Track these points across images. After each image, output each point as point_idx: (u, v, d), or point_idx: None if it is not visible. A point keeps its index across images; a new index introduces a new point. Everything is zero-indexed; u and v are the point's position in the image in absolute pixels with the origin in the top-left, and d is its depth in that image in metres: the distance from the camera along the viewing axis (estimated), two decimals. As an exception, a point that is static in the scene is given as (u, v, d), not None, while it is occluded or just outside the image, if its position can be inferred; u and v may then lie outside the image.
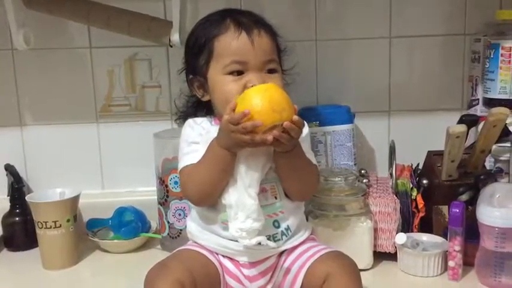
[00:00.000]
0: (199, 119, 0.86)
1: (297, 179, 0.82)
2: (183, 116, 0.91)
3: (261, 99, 0.71)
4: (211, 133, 0.80)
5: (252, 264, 0.81)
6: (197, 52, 0.84)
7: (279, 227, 0.81)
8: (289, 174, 0.81)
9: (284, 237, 0.82)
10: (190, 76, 0.87)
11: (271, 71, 0.81)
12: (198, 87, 0.86)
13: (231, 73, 0.80)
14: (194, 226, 0.85)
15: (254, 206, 0.76)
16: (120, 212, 1.08)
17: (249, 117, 0.71)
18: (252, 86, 0.77)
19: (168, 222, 1.03)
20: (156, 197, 1.05)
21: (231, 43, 0.80)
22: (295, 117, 0.74)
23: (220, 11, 0.86)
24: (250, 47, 0.79)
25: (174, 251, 0.85)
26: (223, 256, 0.82)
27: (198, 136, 0.83)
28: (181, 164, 0.83)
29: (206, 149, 0.79)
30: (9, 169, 1.10)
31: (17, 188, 1.08)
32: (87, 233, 1.07)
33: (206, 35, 0.83)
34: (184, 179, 0.82)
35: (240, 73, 0.80)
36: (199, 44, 0.83)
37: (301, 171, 0.81)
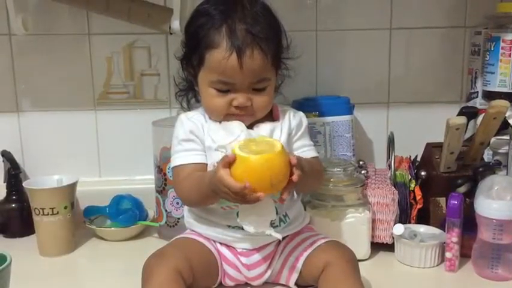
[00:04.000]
0: (191, 113, 0.85)
1: (306, 187, 0.85)
2: (183, 94, 0.90)
3: (261, 175, 0.69)
4: (206, 128, 0.81)
5: (250, 252, 0.81)
6: (192, 50, 0.82)
7: (277, 213, 0.81)
8: (299, 189, 0.83)
9: (282, 223, 0.83)
10: (185, 65, 0.85)
11: (259, 89, 0.80)
12: (191, 76, 0.85)
13: (217, 89, 0.79)
14: (192, 215, 0.85)
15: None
16: (118, 200, 1.07)
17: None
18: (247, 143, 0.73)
19: (166, 210, 1.02)
20: (154, 186, 1.05)
21: (220, 62, 0.76)
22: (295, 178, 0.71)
23: (222, 4, 0.79)
24: (238, 70, 0.76)
25: (172, 239, 0.85)
26: (220, 244, 0.82)
27: (189, 133, 0.82)
28: (173, 162, 0.83)
29: (202, 176, 0.77)
30: (6, 155, 1.09)
31: (14, 175, 1.07)
32: (84, 220, 1.07)
33: (200, 37, 0.79)
34: (176, 181, 0.83)
35: (226, 90, 0.79)
36: (194, 43, 0.80)
37: (309, 182, 0.81)
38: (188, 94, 0.89)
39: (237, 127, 0.80)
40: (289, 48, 0.85)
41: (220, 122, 0.82)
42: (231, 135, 0.79)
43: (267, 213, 0.75)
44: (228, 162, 0.70)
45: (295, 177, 0.71)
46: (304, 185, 0.76)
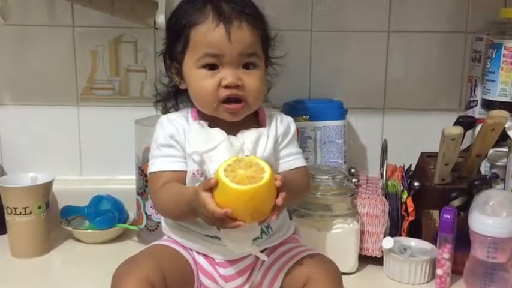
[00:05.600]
0: (173, 115, 0.81)
1: (293, 202, 0.83)
2: (162, 101, 0.86)
3: (243, 206, 0.65)
4: (187, 132, 0.77)
5: (229, 263, 0.77)
6: (175, 37, 0.78)
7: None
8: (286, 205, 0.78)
9: (264, 235, 0.78)
10: (168, 61, 0.81)
11: (249, 67, 0.75)
12: (175, 74, 0.81)
13: (205, 67, 0.75)
14: (168, 221, 0.81)
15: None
16: (97, 200, 1.03)
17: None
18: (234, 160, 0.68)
19: (146, 213, 0.98)
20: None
21: (207, 35, 0.73)
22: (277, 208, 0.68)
23: None
24: (226, 40, 0.72)
25: (147, 246, 0.80)
26: (198, 253, 0.78)
27: (169, 138, 0.77)
28: (150, 167, 0.79)
29: (181, 192, 0.73)
30: (-18, 150, 1.05)
31: (-11, 171, 1.03)
32: (61, 220, 1.03)
33: (185, 21, 0.76)
34: (152, 189, 0.79)
35: (214, 67, 0.75)
36: (178, 29, 0.77)
37: (293, 199, 0.78)
38: (167, 103, 0.85)
39: (218, 135, 0.75)
40: (275, 42, 0.81)
41: (202, 126, 0.77)
42: (210, 143, 0.74)
43: (250, 230, 0.71)
44: (210, 187, 0.66)
45: (279, 201, 0.67)
46: (288, 202, 0.72)
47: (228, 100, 0.75)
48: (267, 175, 0.66)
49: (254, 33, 0.75)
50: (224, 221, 0.66)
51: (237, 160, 0.68)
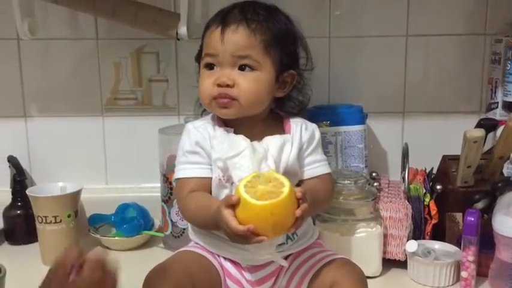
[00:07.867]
0: (198, 122, 0.82)
1: (317, 210, 0.84)
2: (198, 112, 0.88)
3: (264, 221, 0.66)
4: (212, 139, 0.78)
5: (255, 268, 0.78)
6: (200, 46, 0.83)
7: (284, 231, 0.78)
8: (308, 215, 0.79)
9: (290, 241, 0.79)
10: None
11: (244, 68, 0.77)
12: None
13: (207, 66, 0.79)
14: (195, 227, 0.82)
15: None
16: (123, 208, 1.05)
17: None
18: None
19: (171, 220, 1.00)
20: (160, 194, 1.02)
21: (207, 37, 0.79)
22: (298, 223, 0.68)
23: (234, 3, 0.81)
24: (220, 42, 0.76)
25: (175, 252, 0.82)
26: (224, 259, 0.79)
27: (195, 145, 0.79)
28: (176, 174, 0.81)
29: (207, 205, 0.74)
30: (12, 161, 1.08)
31: (19, 181, 1.06)
32: (89, 228, 1.05)
33: (205, 28, 0.82)
34: (179, 195, 0.80)
35: (213, 67, 0.79)
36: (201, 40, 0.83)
37: (318, 205, 0.79)
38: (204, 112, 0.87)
39: (242, 142, 0.77)
40: (300, 52, 0.84)
41: (227, 132, 0.79)
42: (234, 150, 0.76)
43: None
44: (231, 204, 0.68)
45: (298, 212, 0.67)
46: (311, 212, 0.73)
47: (219, 97, 0.78)
48: (286, 189, 0.67)
49: (252, 38, 0.76)
50: (247, 237, 0.67)
51: (257, 176, 0.70)
